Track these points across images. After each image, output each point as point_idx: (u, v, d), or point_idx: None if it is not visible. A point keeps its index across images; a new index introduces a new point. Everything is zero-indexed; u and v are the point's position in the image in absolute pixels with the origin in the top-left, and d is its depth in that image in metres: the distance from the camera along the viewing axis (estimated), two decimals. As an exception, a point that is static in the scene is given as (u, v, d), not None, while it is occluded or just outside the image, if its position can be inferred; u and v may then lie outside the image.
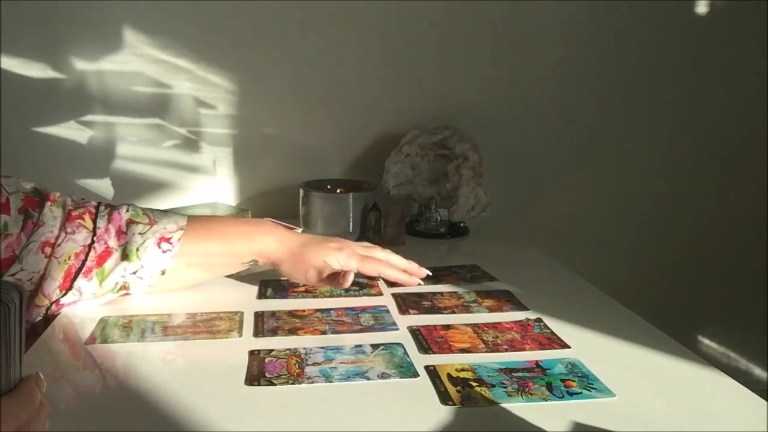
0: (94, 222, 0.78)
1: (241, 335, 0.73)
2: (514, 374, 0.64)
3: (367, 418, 0.57)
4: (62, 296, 0.76)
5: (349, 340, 0.72)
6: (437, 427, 0.55)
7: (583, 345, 0.71)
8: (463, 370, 0.64)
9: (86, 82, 1.19)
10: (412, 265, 0.86)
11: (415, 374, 0.64)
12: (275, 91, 1.26)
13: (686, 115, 1.41)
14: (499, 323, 0.77)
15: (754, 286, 1.49)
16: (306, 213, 1.13)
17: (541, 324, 0.76)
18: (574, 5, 1.31)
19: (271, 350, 0.68)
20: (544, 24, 1.31)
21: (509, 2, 1.28)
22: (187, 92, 1.22)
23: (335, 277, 0.82)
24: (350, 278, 0.82)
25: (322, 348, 0.69)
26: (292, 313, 0.79)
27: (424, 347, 0.70)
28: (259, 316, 0.78)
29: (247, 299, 0.84)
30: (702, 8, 1.36)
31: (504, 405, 0.58)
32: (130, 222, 0.79)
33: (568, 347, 0.70)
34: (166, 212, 0.83)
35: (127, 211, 0.80)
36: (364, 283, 0.89)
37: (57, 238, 0.75)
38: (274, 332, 0.73)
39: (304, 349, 0.69)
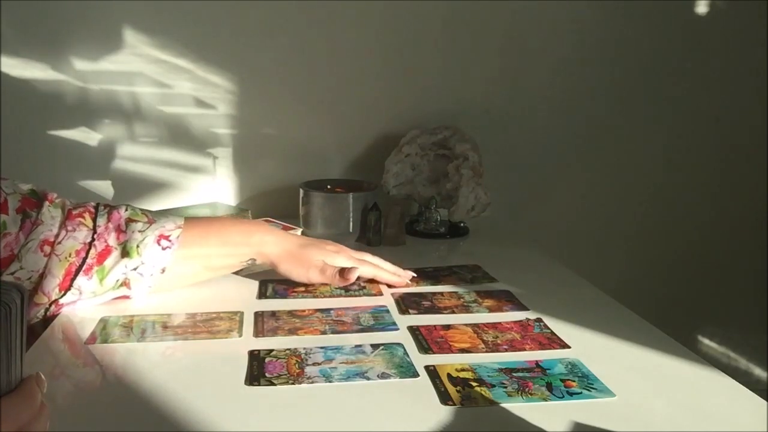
0: (94, 221, 0.78)
1: (241, 335, 0.73)
2: (514, 374, 0.64)
3: (367, 418, 0.57)
4: (61, 296, 0.76)
5: (349, 340, 0.72)
6: (437, 427, 0.55)
7: (583, 345, 0.71)
8: (463, 370, 0.64)
9: (86, 82, 1.19)
10: (400, 270, 0.90)
11: (415, 374, 0.64)
12: (275, 91, 1.26)
13: (686, 115, 1.41)
14: (499, 323, 0.77)
15: (754, 286, 1.49)
16: (306, 213, 1.13)
17: (541, 324, 0.76)
18: (574, 5, 1.31)
19: (271, 350, 0.68)
20: (544, 24, 1.31)
21: (509, 2, 1.28)
22: (187, 92, 1.22)
23: (340, 272, 0.85)
24: (356, 273, 0.85)
25: (322, 348, 0.69)
26: (292, 313, 0.79)
27: (424, 347, 0.70)
28: (259, 316, 0.78)
29: (247, 299, 0.84)
30: (702, 8, 1.36)
31: (504, 405, 0.58)
32: (129, 220, 0.80)
33: (568, 347, 0.70)
34: (163, 212, 0.84)
35: (126, 210, 0.81)
36: (363, 284, 0.89)
37: (57, 236, 0.75)
38: (274, 332, 0.73)
39: (304, 349, 0.69)
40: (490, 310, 0.81)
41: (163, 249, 0.79)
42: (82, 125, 1.21)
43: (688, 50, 1.38)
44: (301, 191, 1.14)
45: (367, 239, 1.10)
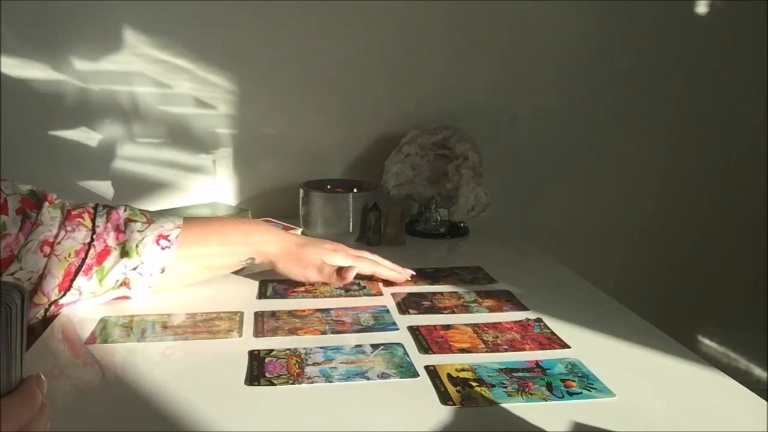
0: (93, 221, 0.78)
1: (241, 335, 0.73)
2: (514, 374, 0.64)
3: (367, 418, 0.57)
4: (61, 297, 0.76)
5: (349, 340, 0.72)
6: (437, 427, 0.55)
7: (583, 345, 0.71)
8: (463, 370, 0.64)
9: (86, 83, 1.19)
10: (398, 267, 0.91)
11: (415, 374, 0.64)
12: (275, 91, 1.26)
13: (686, 116, 1.41)
14: (499, 323, 0.77)
15: (754, 286, 1.49)
16: (306, 213, 1.13)
17: (541, 324, 0.76)
18: (574, 6, 1.31)
19: (271, 350, 0.68)
20: (544, 24, 1.31)
21: (509, 3, 1.28)
22: (187, 92, 1.22)
23: (338, 271, 0.85)
24: (353, 272, 0.85)
25: (322, 348, 0.69)
26: (292, 313, 0.79)
27: (424, 347, 0.70)
28: (259, 316, 0.78)
29: (247, 299, 0.84)
30: (702, 8, 1.36)
31: (504, 405, 0.58)
32: (128, 220, 0.80)
33: (568, 347, 0.70)
34: (163, 213, 0.84)
35: (125, 210, 0.81)
36: (363, 284, 0.89)
37: (56, 236, 0.75)
38: (274, 332, 0.74)
39: (304, 349, 0.69)
40: (490, 310, 0.81)
41: (163, 249, 0.79)
42: (82, 125, 1.21)
43: (688, 50, 1.38)
44: (301, 191, 1.14)
45: (367, 239, 1.10)
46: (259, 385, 0.62)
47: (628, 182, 1.42)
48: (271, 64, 1.24)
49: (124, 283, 0.79)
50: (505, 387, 0.61)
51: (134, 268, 0.79)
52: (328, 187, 1.17)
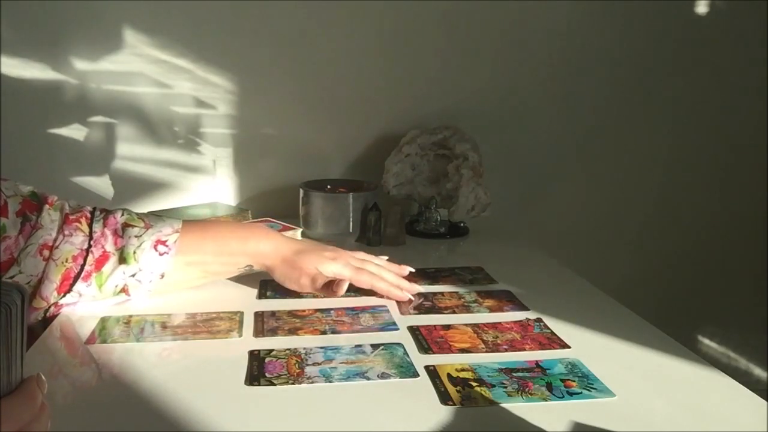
0: (90, 226, 0.78)
1: (241, 335, 0.73)
2: (514, 374, 0.64)
3: (367, 418, 0.57)
4: (61, 298, 0.76)
5: (349, 340, 0.72)
6: (437, 427, 0.55)
7: (583, 345, 0.71)
8: (463, 370, 0.64)
9: (86, 82, 1.19)
10: (403, 282, 0.86)
11: (415, 374, 0.64)
12: (275, 91, 1.26)
13: (686, 116, 1.41)
14: (499, 323, 0.77)
15: (754, 286, 1.49)
16: (306, 213, 1.13)
17: (541, 324, 0.76)
18: (574, 6, 1.31)
19: (271, 350, 0.68)
20: (544, 24, 1.31)
21: (510, 3, 1.28)
22: (187, 92, 1.22)
23: (329, 285, 0.82)
24: (344, 287, 0.82)
25: (322, 348, 0.69)
26: (292, 313, 0.79)
27: (424, 347, 0.70)
28: (259, 316, 0.78)
29: (247, 299, 0.84)
30: (702, 8, 1.36)
31: (504, 405, 0.58)
32: (126, 225, 0.79)
33: (568, 347, 0.70)
34: (161, 216, 0.83)
35: (122, 215, 0.80)
36: (359, 295, 0.86)
37: (55, 240, 0.75)
38: (274, 332, 0.74)
39: (304, 349, 0.69)
40: (491, 309, 0.81)
41: (161, 255, 0.78)
42: (82, 125, 1.21)
43: (688, 50, 1.38)
44: (301, 191, 1.14)
45: (367, 239, 1.10)
46: (259, 385, 0.62)
47: (628, 182, 1.42)
48: (271, 64, 1.24)
49: (124, 290, 0.79)
50: (505, 387, 0.61)
51: (133, 275, 0.78)
52: (328, 187, 1.17)
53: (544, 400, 0.59)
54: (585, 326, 0.76)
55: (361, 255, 0.87)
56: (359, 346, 0.70)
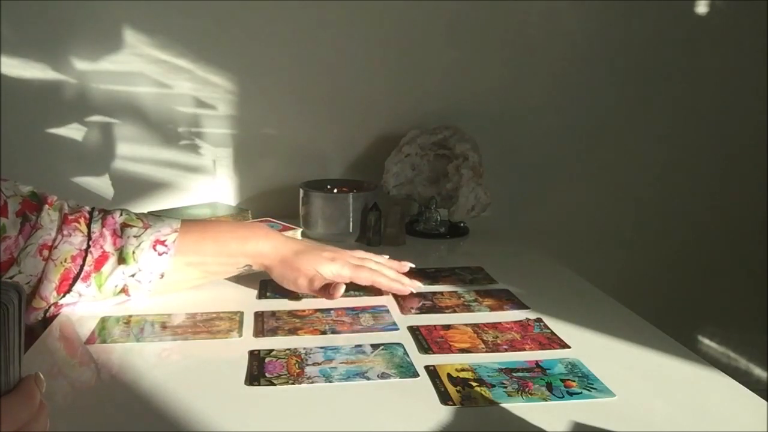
0: (89, 226, 0.78)
1: (241, 335, 0.73)
2: (514, 374, 0.64)
3: (367, 418, 0.57)
4: (60, 298, 0.76)
5: (349, 340, 0.72)
6: (437, 427, 0.55)
7: (583, 345, 0.71)
8: (463, 370, 0.64)
9: (86, 82, 1.19)
10: (404, 278, 0.86)
11: (415, 374, 0.64)
12: (275, 91, 1.26)
13: (686, 116, 1.41)
14: (499, 323, 0.77)
15: (754, 286, 1.49)
16: (306, 213, 1.13)
17: (541, 324, 0.76)
18: (573, 5, 1.31)
19: (271, 350, 0.68)
20: (544, 24, 1.31)
21: (509, 3, 1.28)
22: (187, 92, 1.22)
23: (326, 287, 0.82)
24: (341, 290, 0.81)
25: (322, 348, 0.69)
26: (292, 313, 0.79)
27: (424, 347, 0.70)
28: (259, 316, 0.78)
29: (247, 299, 0.84)
30: (702, 8, 1.36)
31: (504, 405, 0.58)
32: (125, 225, 0.79)
33: (568, 347, 0.70)
34: (160, 216, 0.83)
35: (121, 215, 0.80)
36: (359, 295, 0.86)
37: (54, 240, 0.75)
38: (274, 332, 0.73)
39: (304, 349, 0.69)
40: (491, 309, 0.81)
41: (160, 255, 0.78)
42: (82, 125, 1.21)
43: (688, 50, 1.38)
44: (301, 191, 1.14)
45: (367, 239, 1.10)
46: (259, 385, 0.61)
47: (628, 182, 1.42)
48: (271, 64, 1.24)
49: (124, 290, 0.79)
50: (505, 387, 0.61)
51: (132, 275, 0.78)
52: (328, 187, 1.17)
53: (544, 400, 0.59)
54: (585, 326, 0.76)
55: (361, 254, 0.87)
56: (359, 346, 0.70)
